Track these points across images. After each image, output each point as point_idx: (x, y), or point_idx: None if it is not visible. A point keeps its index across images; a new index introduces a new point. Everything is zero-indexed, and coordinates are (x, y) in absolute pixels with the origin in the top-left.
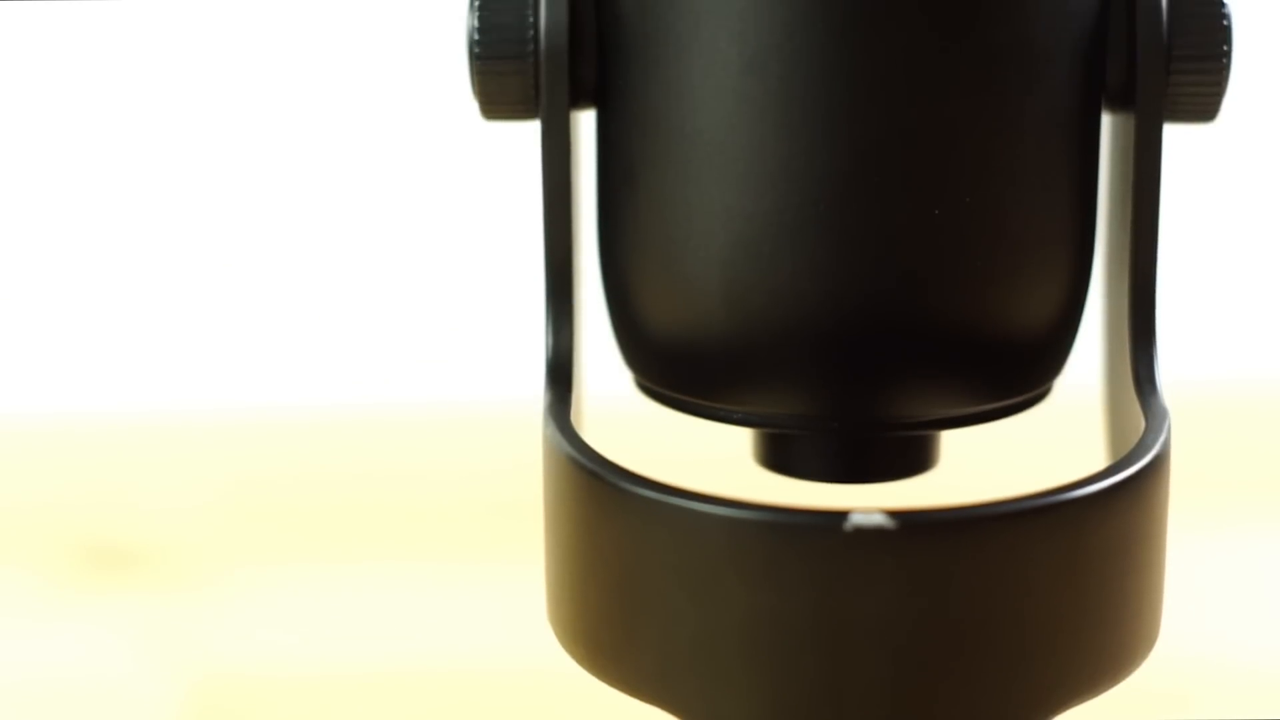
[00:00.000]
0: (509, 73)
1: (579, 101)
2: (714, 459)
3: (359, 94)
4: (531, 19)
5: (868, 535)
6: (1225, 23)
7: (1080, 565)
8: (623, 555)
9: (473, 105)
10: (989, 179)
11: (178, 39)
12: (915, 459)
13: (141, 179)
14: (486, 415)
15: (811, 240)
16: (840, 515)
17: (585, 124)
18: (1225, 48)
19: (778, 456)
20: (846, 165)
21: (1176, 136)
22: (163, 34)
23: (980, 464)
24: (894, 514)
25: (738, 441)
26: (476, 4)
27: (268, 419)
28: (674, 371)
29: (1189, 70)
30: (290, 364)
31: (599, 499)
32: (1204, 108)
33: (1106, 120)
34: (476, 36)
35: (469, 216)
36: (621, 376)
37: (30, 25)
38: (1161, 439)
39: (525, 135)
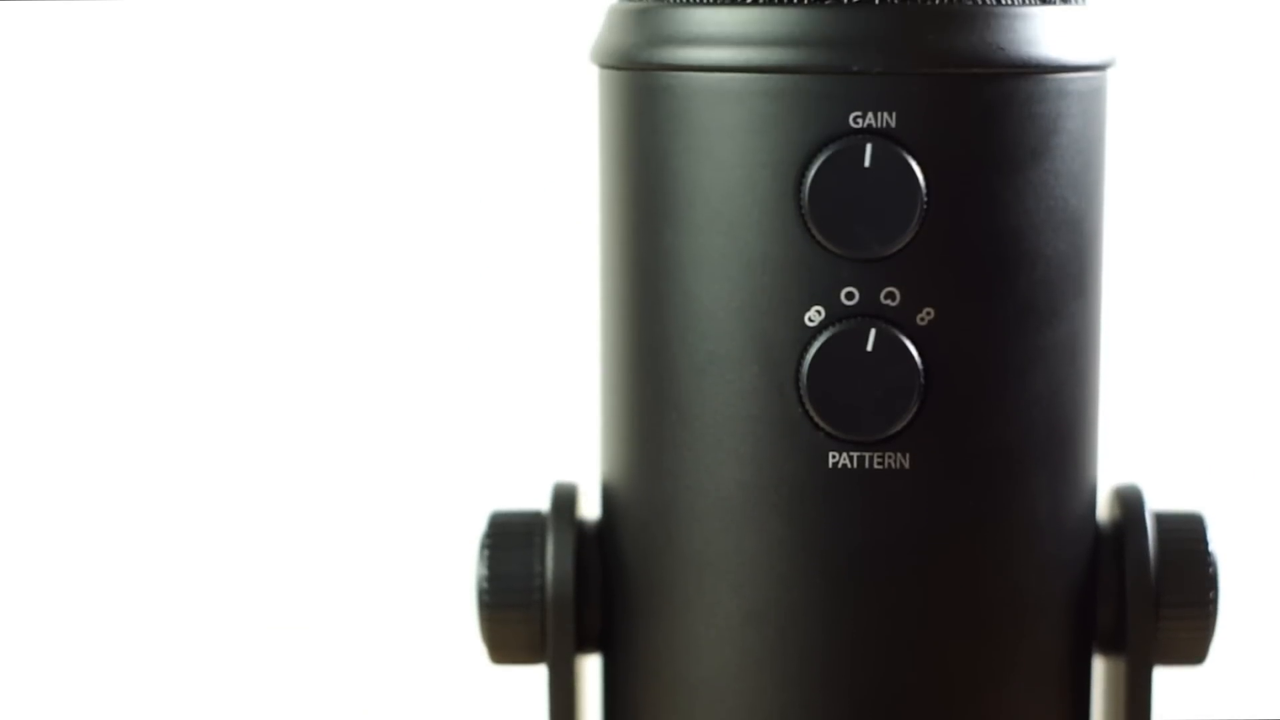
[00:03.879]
0: (516, 621)
1: (584, 647)
2: None
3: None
4: (538, 568)
5: None
6: (1211, 570)
7: None
8: None
9: None
10: None
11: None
12: None
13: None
14: None
15: None
16: None
17: (591, 666)
18: (1212, 594)
19: None
20: (843, 716)
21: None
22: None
23: None
24: None
25: None
26: (485, 552)
27: None
28: None
29: (1178, 617)
30: None
31: None
32: (1193, 651)
33: (1098, 663)
34: (485, 585)
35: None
36: None
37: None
38: None
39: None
